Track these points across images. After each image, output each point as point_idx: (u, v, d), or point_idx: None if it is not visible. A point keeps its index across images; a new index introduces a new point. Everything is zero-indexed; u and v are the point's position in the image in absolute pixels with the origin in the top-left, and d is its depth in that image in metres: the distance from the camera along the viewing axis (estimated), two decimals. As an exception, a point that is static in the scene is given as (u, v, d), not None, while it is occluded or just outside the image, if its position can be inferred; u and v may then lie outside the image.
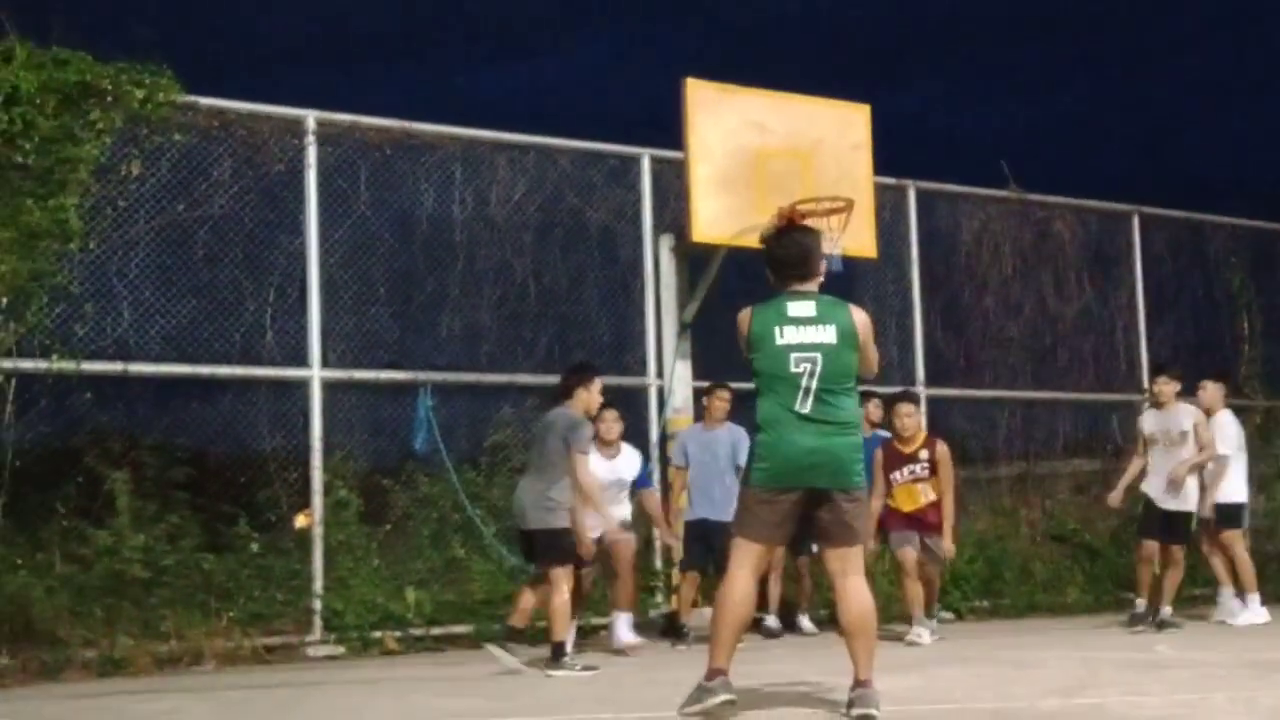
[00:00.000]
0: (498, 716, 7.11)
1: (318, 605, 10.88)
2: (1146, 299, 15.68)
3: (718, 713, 6.27)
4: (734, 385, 10.99)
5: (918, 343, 14.19)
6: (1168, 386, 11.82)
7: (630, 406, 11.89)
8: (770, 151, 12.26)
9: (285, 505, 11.15)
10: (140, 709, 7.81)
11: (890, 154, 13.40)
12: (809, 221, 11.91)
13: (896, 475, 11.10)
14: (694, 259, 12.46)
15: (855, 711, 6.25)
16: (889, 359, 14.02)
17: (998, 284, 14.92)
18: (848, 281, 13.46)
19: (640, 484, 10.87)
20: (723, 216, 11.98)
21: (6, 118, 10.19)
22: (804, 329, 6.46)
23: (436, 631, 11.28)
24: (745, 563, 6.47)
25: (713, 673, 6.34)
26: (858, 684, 6.34)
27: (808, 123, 12.53)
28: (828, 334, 6.47)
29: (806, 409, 6.41)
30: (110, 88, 10.62)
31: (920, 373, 14.08)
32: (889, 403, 11.76)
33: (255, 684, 9.04)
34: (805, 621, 11.80)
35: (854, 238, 12.14)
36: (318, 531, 10.99)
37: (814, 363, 6.42)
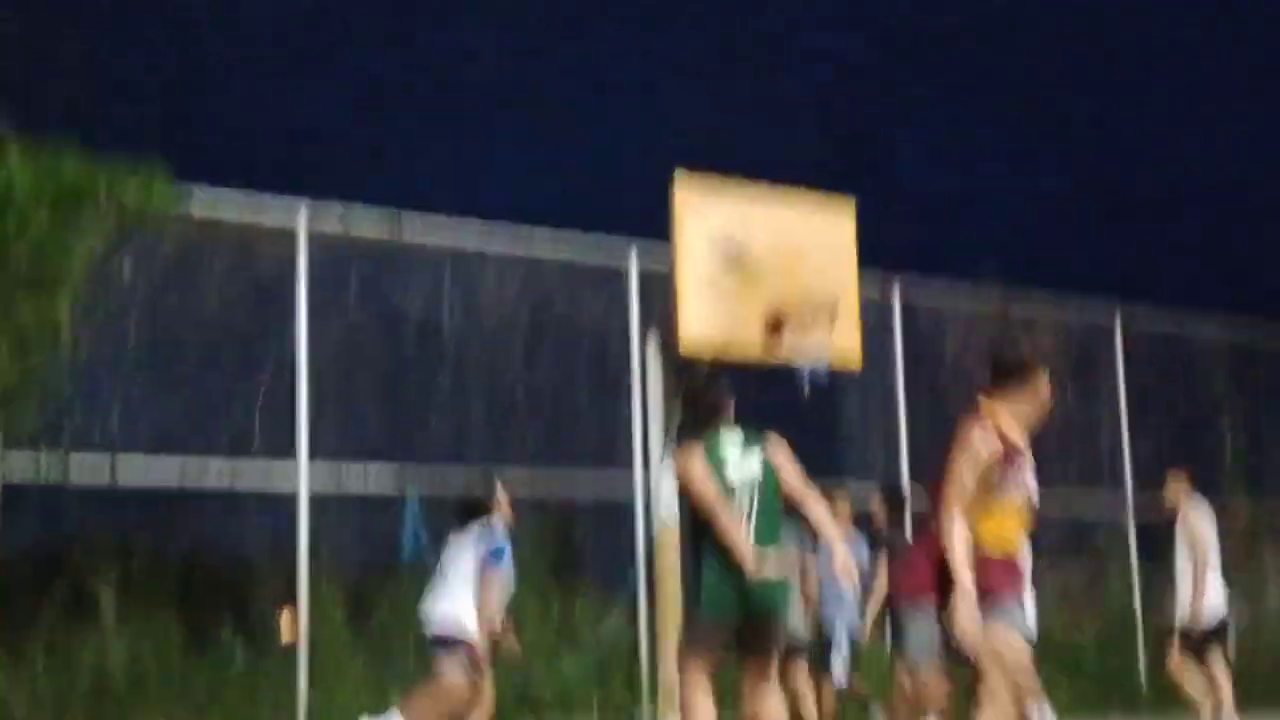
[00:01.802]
0: None
1: (303, 714, 10.82)
2: (1129, 403, 15.76)
3: None
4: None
5: (902, 442, 14.24)
6: (1167, 488, 11.54)
7: (616, 513, 11.91)
8: (756, 249, 12.29)
9: (270, 612, 11.15)
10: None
11: (875, 246, 13.44)
12: (793, 322, 12.00)
13: (1011, 488, 6.39)
14: (680, 362, 12.47)
15: None
16: (873, 461, 14.11)
17: (981, 383, 14.98)
18: (832, 382, 13.52)
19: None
20: (709, 316, 11.99)
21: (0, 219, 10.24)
22: (742, 463, 7.05)
23: (422, 739, 11.20)
24: (702, 682, 6.89)
25: None
26: None
27: (793, 218, 12.49)
28: (756, 466, 7.06)
29: (750, 538, 6.88)
30: (105, 189, 10.66)
31: (905, 473, 14.12)
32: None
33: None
34: None
35: (838, 335, 12.16)
36: (303, 639, 10.96)
37: (753, 493, 6.98)
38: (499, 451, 12.18)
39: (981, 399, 6.92)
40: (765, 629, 6.96)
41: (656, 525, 12.16)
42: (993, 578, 6.48)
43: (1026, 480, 6.79)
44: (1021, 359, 7.26)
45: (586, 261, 12.84)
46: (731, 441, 7.13)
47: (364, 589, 11.65)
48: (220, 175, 11.41)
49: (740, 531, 6.97)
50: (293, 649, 10.98)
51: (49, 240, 10.43)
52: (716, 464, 7.04)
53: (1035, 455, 14.85)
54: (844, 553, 7.20)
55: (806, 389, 11.87)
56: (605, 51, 46.47)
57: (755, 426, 7.33)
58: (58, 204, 10.51)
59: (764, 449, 7.14)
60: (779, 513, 7.12)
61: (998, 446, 6.56)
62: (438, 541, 11.48)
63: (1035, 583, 12.67)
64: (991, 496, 6.53)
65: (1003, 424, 6.76)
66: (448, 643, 9.27)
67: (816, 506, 7.21)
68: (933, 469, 6.61)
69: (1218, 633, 11.27)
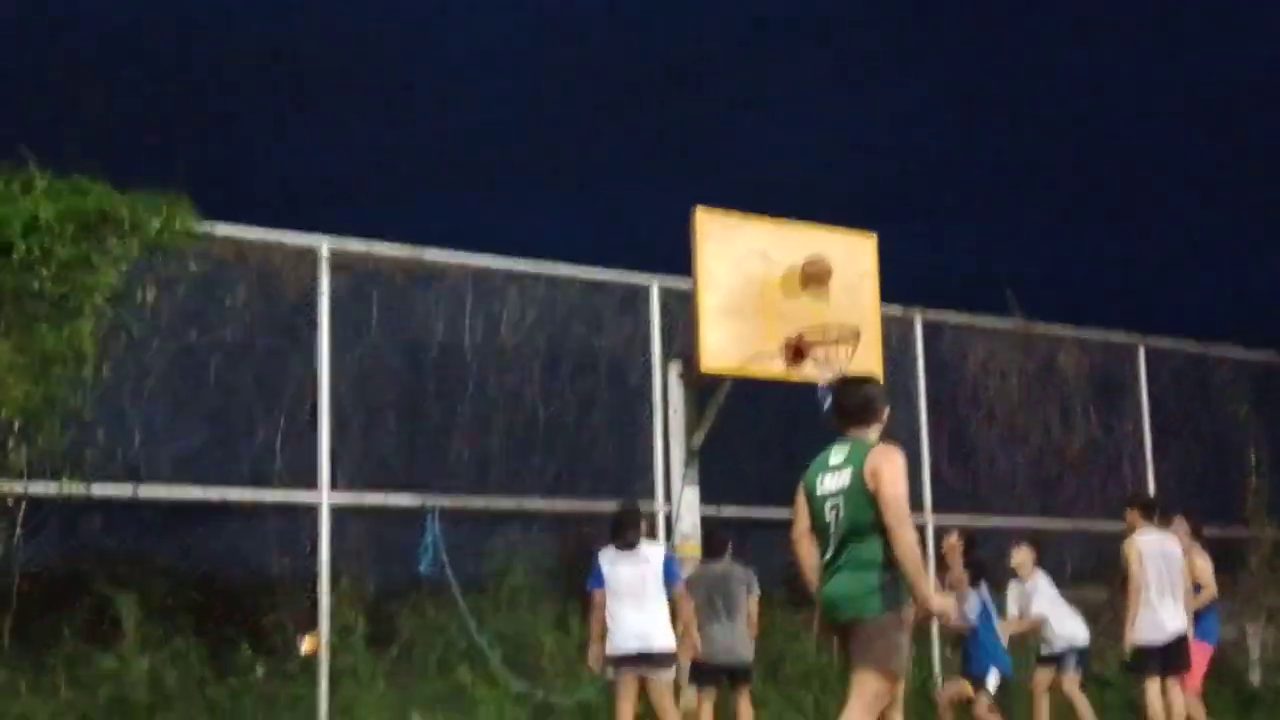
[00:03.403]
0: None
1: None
2: (1152, 429, 15.72)
3: None
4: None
5: (924, 471, 14.20)
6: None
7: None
8: (777, 280, 12.35)
9: (291, 629, 11.16)
10: (142, 834, 7.76)
11: (896, 283, 13.49)
12: (816, 351, 12.06)
13: None
14: (702, 386, 12.53)
15: None
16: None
17: (1004, 413, 14.97)
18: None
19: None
20: (730, 344, 12.05)
21: (25, 246, 10.34)
22: (835, 475, 6.83)
23: (443, 759, 11.23)
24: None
25: None
26: None
27: (814, 251, 12.63)
28: (846, 478, 6.77)
29: (830, 554, 6.80)
30: (128, 216, 10.77)
31: (927, 500, 14.07)
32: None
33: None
34: None
35: (860, 366, 12.18)
36: (323, 656, 10.98)
37: (838, 508, 6.77)
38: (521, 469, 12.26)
39: None
40: (850, 632, 6.76)
41: (678, 540, 12.21)
42: None
43: None
44: None
45: (608, 287, 12.92)
46: (835, 454, 6.94)
47: (384, 602, 11.65)
48: (243, 214, 11.56)
49: (805, 557, 7.02)
50: (312, 663, 11.01)
51: (73, 265, 10.54)
52: (812, 479, 6.98)
53: (1058, 481, 14.91)
54: (920, 591, 6.67)
55: (826, 405, 11.91)
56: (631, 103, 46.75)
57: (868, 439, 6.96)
58: (82, 230, 10.63)
59: (859, 462, 6.75)
60: (868, 530, 6.68)
61: None
62: (455, 555, 11.60)
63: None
64: None
65: None
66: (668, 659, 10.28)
67: (899, 537, 6.59)
68: None
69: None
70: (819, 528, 6.88)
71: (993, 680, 11.74)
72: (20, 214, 10.35)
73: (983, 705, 11.74)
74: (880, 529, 6.63)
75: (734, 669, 11.18)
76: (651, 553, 10.44)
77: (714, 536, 11.60)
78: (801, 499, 7.04)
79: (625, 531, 10.42)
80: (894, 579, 6.64)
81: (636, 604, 10.20)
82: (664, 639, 10.24)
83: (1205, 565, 11.94)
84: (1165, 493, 15.56)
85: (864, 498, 6.67)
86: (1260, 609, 15.69)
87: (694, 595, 11.10)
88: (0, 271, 10.31)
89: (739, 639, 11.13)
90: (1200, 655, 11.89)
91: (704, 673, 11.19)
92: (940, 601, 6.76)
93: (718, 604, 11.11)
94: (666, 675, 10.30)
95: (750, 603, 11.21)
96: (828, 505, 6.78)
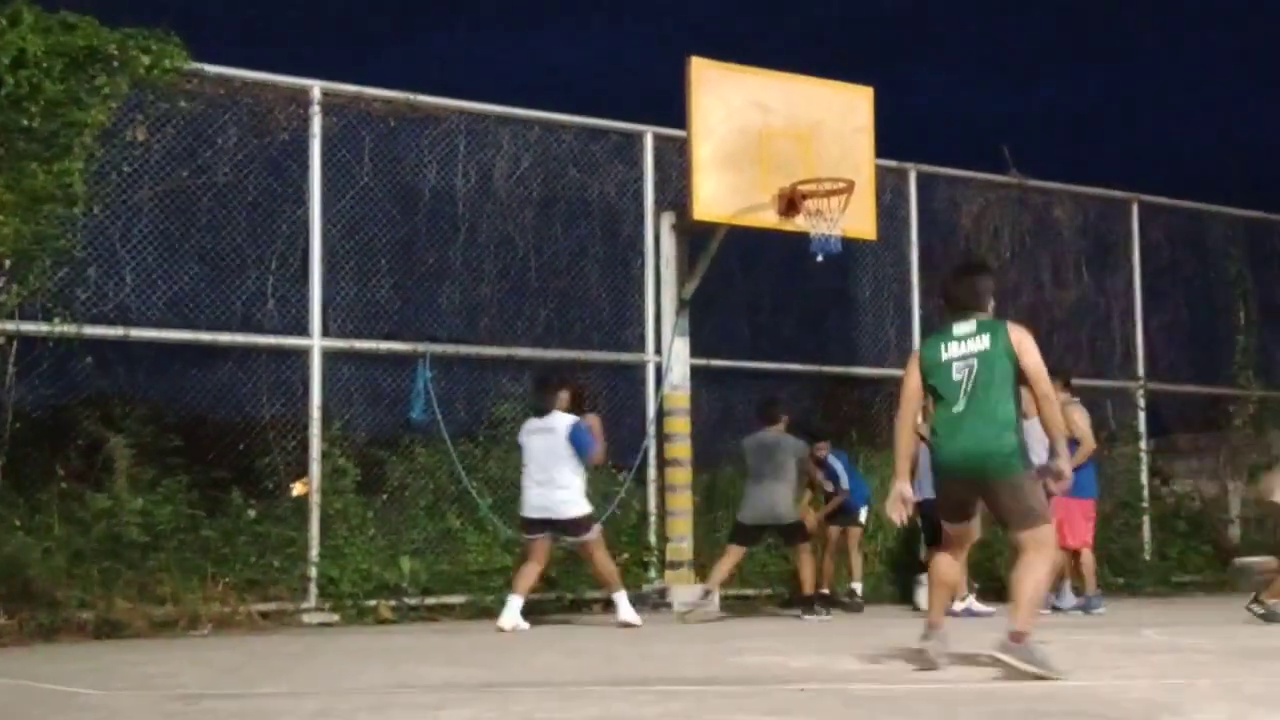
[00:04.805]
0: (490, 686, 7.15)
1: (313, 573, 10.97)
2: (1144, 287, 15.75)
3: (928, 651, 7.26)
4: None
5: (915, 325, 14.25)
6: None
7: (628, 382, 11.98)
8: (773, 131, 12.30)
9: (283, 473, 11.24)
10: (135, 671, 7.85)
11: (892, 137, 13.44)
12: (809, 202, 12.04)
13: None
14: (694, 237, 12.52)
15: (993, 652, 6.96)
16: (886, 340, 14.14)
17: (996, 269, 14.95)
18: (847, 262, 13.54)
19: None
20: (724, 195, 12.03)
21: (13, 81, 10.24)
22: (964, 342, 7.14)
23: (431, 601, 11.39)
24: (947, 543, 7.49)
25: (928, 624, 7.42)
26: (1009, 635, 6.90)
27: (811, 104, 12.57)
28: (984, 342, 7.10)
29: (961, 408, 7.04)
30: (117, 53, 10.68)
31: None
32: None
33: (250, 649, 9.09)
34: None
35: (854, 219, 12.20)
36: (315, 500, 11.08)
37: (971, 367, 7.06)
38: (513, 317, 12.27)
39: None
40: (993, 493, 7.06)
41: (667, 389, 12.29)
42: None
43: None
44: None
45: (602, 134, 12.83)
46: (960, 326, 7.19)
47: (374, 450, 11.73)
48: (234, 54, 11.42)
49: (903, 439, 7.31)
50: (304, 506, 11.11)
51: (62, 102, 10.42)
52: (932, 353, 7.20)
53: (1048, 337, 14.96)
54: (1061, 457, 7.13)
55: (819, 258, 11.96)
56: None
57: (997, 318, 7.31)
58: (70, 66, 10.49)
59: (1001, 331, 7.10)
60: (1008, 387, 7.02)
61: None
62: (446, 401, 11.66)
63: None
64: None
65: None
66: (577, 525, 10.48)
67: (1052, 405, 7.12)
68: None
69: None
70: (944, 390, 7.10)
71: None
72: (7, 48, 10.21)
73: None
74: (1015, 390, 7.04)
75: (776, 528, 11.66)
76: (558, 422, 10.44)
77: (770, 406, 11.88)
78: (915, 377, 7.25)
79: (537, 398, 10.70)
80: (1022, 440, 7.04)
81: (541, 474, 10.36)
82: (570, 507, 10.35)
83: (1082, 419, 11.99)
84: (1154, 350, 15.66)
85: (1009, 358, 7.04)
86: (1242, 467, 15.85)
87: (747, 459, 11.62)
88: (-11, 107, 10.21)
89: (780, 499, 11.49)
90: (1081, 511, 12.03)
91: (742, 530, 11.53)
92: (1070, 470, 7.22)
93: (764, 468, 11.46)
94: (582, 538, 10.48)
95: (794, 470, 11.64)
96: (956, 366, 7.08)
